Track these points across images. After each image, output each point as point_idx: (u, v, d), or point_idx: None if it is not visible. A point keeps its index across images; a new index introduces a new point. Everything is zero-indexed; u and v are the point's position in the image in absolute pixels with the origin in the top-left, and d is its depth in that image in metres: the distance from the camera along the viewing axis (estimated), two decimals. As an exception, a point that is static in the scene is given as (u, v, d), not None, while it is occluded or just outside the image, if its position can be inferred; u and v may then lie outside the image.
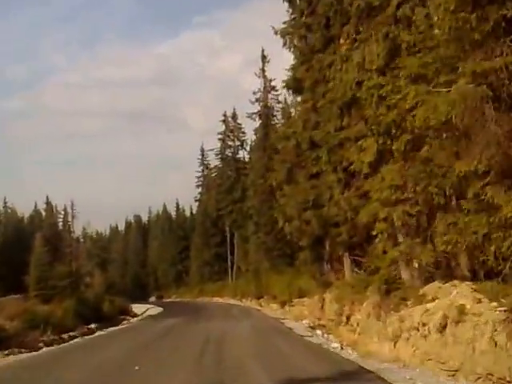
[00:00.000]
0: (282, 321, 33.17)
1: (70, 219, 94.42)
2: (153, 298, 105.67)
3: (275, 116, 62.37)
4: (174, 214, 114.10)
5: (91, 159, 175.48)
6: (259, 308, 50.18)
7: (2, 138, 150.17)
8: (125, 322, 42.43)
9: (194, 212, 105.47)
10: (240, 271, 75.60)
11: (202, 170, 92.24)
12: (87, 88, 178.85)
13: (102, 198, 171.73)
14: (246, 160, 78.35)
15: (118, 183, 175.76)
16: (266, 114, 61.55)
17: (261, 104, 61.67)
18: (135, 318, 47.09)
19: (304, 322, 28.67)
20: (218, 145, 79.59)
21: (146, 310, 59.83)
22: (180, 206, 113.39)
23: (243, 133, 78.05)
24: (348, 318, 21.82)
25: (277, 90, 61.88)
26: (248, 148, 77.92)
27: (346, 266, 28.18)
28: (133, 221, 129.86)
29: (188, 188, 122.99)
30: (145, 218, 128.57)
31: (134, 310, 58.00)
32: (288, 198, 34.22)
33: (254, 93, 61.26)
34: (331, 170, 26.67)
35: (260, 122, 62.03)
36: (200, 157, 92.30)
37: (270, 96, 61.78)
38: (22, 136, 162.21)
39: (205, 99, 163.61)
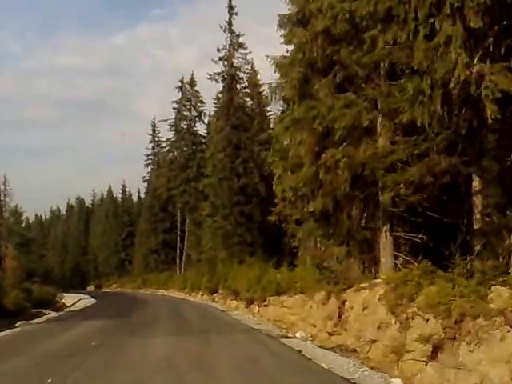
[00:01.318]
0: (259, 328, 22.89)
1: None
2: (91, 288, 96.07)
3: (242, 79, 52.84)
4: (119, 197, 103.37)
5: (44, 147, 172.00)
6: (217, 306, 40.50)
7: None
8: (30, 321, 31.25)
9: (143, 196, 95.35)
10: (190, 261, 65.95)
11: (153, 148, 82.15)
12: (41, 76, 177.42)
13: (51, 185, 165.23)
14: (204, 134, 68.54)
15: (67, 171, 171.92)
16: (231, 75, 51.92)
17: (225, 63, 52.02)
18: (54, 313, 36.94)
19: (298, 334, 18.93)
20: (173, 115, 69.45)
21: (76, 302, 50.22)
22: (127, 190, 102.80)
23: (202, 102, 68.27)
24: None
25: (245, 48, 52.38)
26: (206, 120, 68.24)
27: (383, 249, 17.46)
28: (75, 204, 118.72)
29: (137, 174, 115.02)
30: (89, 202, 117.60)
31: (64, 300, 50.71)
32: (296, 127, 20.52)
33: (219, 50, 51.60)
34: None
35: (224, 84, 52.34)
36: (151, 132, 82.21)
37: (236, 54, 52.17)
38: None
39: (160, 91, 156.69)
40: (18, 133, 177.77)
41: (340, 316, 16.09)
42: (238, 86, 52.78)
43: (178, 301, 48.19)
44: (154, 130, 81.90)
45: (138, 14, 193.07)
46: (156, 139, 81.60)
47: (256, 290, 30.87)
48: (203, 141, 67.67)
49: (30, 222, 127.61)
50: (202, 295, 51.77)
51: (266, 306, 28.12)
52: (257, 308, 30.21)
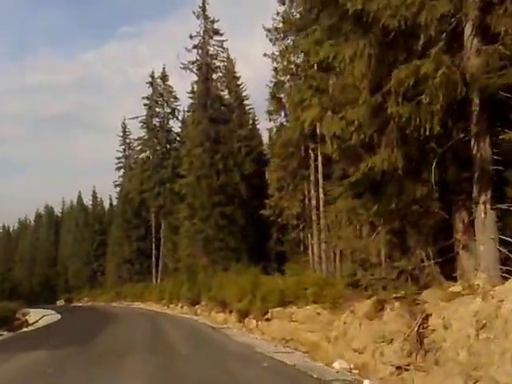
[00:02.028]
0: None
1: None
2: (61, 302, 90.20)
3: (218, 68, 47.90)
4: (90, 204, 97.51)
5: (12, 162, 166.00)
6: (203, 321, 34.95)
7: None
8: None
9: (115, 202, 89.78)
10: (167, 270, 60.77)
11: (124, 150, 76.59)
12: (11, 93, 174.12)
13: (21, 199, 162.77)
14: (179, 132, 63.37)
15: (38, 184, 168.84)
16: (206, 64, 46.98)
17: (200, 52, 47.05)
18: (5, 334, 31.60)
19: (336, 364, 13.41)
20: (144, 112, 64.02)
21: (40, 319, 44.92)
22: (98, 197, 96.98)
23: (175, 98, 63.05)
24: None
25: (221, 34, 47.49)
26: (180, 117, 63.01)
27: (481, 230, 11.72)
28: (43, 213, 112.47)
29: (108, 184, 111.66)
30: (58, 211, 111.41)
31: (28, 317, 45.04)
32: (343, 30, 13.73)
33: (192, 37, 46.60)
34: None
35: (199, 74, 47.34)
36: (121, 134, 76.72)
37: (212, 42, 47.26)
38: None
39: (129, 105, 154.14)
40: None
41: (420, 340, 10.52)
42: (215, 76, 47.92)
43: (155, 315, 42.99)
44: (124, 132, 76.50)
45: (106, 31, 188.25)
46: (127, 141, 76.23)
47: (252, 300, 25.92)
48: (178, 138, 62.57)
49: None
50: (182, 307, 46.71)
51: (267, 319, 23.08)
52: (254, 322, 25.16)
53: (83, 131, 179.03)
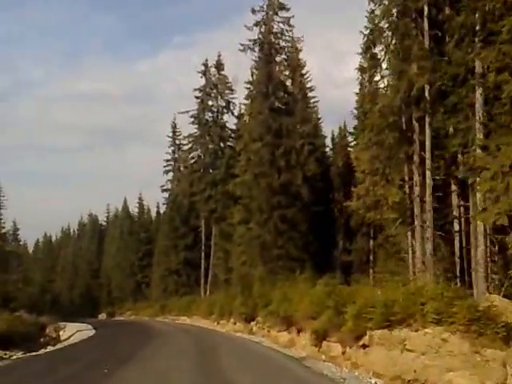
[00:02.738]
0: None
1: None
2: (103, 315, 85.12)
3: (282, 48, 41.77)
4: (136, 212, 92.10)
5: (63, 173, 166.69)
6: (267, 343, 27.40)
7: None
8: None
9: (162, 210, 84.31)
10: (217, 281, 54.65)
11: (173, 151, 70.97)
12: (64, 103, 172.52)
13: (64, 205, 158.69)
14: (233, 128, 57.28)
15: (85, 195, 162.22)
16: (269, 44, 40.96)
17: (262, 29, 41.08)
18: (15, 356, 25.61)
19: None
20: (195, 106, 58.13)
21: (72, 335, 39.60)
22: (145, 204, 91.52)
23: (231, 90, 56.99)
24: None
25: (288, 9, 41.38)
26: (236, 112, 56.96)
27: None
28: (87, 222, 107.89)
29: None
30: (103, 219, 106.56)
31: (62, 332, 42.23)
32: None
33: (254, 11, 40.65)
34: None
35: (260, 55, 41.37)
36: (171, 134, 71.21)
37: (276, 18, 41.21)
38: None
39: (181, 116, 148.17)
40: (38, 159, 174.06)
41: None
42: (278, 59, 41.76)
43: (204, 333, 36.83)
44: (173, 132, 70.97)
45: (160, 41, 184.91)
46: (177, 142, 70.58)
47: (332, 317, 19.49)
48: (232, 135, 56.53)
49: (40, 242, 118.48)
50: (234, 323, 40.37)
51: (363, 346, 16.57)
52: (339, 348, 18.59)
53: (133, 141, 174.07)
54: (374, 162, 26.86)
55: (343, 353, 18.12)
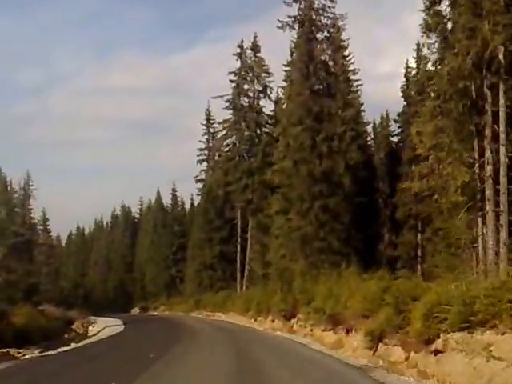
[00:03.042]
0: None
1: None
2: (136, 310, 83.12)
3: (324, 26, 38.75)
4: (169, 204, 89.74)
5: (96, 167, 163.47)
6: (314, 345, 23.86)
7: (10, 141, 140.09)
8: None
9: (196, 203, 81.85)
10: (254, 276, 51.95)
11: (207, 140, 68.41)
12: (97, 96, 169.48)
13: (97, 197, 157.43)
14: (271, 113, 54.31)
15: (117, 188, 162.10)
16: (310, 21, 38.00)
17: (302, 4, 38.13)
18: (27, 356, 23.03)
19: None
20: (230, 91, 55.31)
21: (100, 331, 37.56)
22: (178, 196, 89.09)
23: (267, 73, 54.05)
24: None
25: (330, -18, 38.35)
26: (273, 96, 53.97)
27: None
28: (120, 213, 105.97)
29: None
30: (136, 211, 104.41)
31: (91, 327, 43.17)
32: None
33: (293, -15, 37.69)
34: None
35: (300, 33, 38.43)
36: (204, 122, 68.62)
37: (318, -7, 38.19)
38: (28, 141, 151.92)
39: (215, 109, 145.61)
40: (69, 152, 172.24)
41: None
42: (319, 36, 38.78)
43: (241, 331, 34.32)
44: (208, 120, 68.41)
45: (194, 35, 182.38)
46: (211, 130, 68.01)
47: (391, 316, 16.66)
48: (270, 122, 53.64)
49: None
50: (272, 321, 37.72)
51: (435, 352, 13.64)
52: (400, 353, 15.73)
53: (166, 135, 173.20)
54: (438, 135, 23.59)
55: (406, 358, 15.24)
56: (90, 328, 43.92)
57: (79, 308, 73.26)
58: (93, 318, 56.30)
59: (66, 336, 32.82)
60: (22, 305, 30.96)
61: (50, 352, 23.59)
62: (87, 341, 31.12)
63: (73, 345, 28.50)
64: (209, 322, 44.43)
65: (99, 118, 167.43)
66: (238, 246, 55.81)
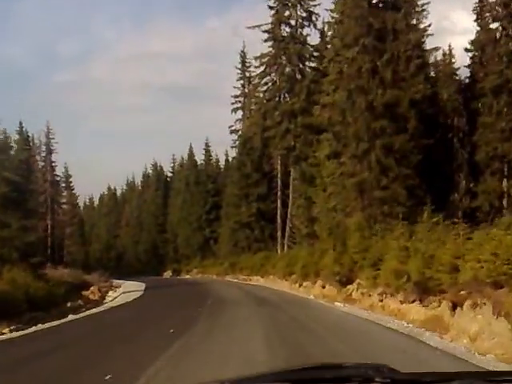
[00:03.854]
0: None
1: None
2: (168, 273, 77.48)
3: None
4: (202, 160, 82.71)
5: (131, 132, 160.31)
6: (391, 322, 16.99)
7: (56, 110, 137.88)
8: None
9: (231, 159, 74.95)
10: (297, 235, 45.13)
11: (242, 86, 61.23)
12: (135, 62, 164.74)
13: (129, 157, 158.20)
14: (316, 44, 46.59)
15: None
16: None
17: None
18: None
19: None
20: (269, 20, 47.51)
21: (119, 295, 31.77)
22: (212, 151, 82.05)
23: (312, -3, 46.21)
24: None
25: None
26: (319, 24, 46.19)
27: None
28: (151, 172, 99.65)
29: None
30: (168, 170, 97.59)
31: (112, 292, 38.84)
32: None
33: None
34: None
35: None
36: (239, 65, 61.39)
37: None
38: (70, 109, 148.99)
39: (254, 51, 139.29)
40: (109, 119, 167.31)
41: None
42: None
43: (286, 302, 27.39)
44: (243, 62, 61.12)
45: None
46: (247, 74, 60.75)
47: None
48: (315, 54, 46.06)
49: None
50: (323, 286, 31.00)
51: None
52: None
53: (204, 99, 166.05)
54: None
55: None
56: (110, 293, 38.10)
57: (112, 270, 68.82)
58: (120, 281, 50.97)
59: (68, 305, 26.55)
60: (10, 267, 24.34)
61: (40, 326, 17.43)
62: (91, 311, 24.79)
63: (71, 316, 22.29)
64: (245, 289, 37.70)
65: (137, 85, 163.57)
66: (278, 201, 48.88)
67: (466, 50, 40.04)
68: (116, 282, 50.58)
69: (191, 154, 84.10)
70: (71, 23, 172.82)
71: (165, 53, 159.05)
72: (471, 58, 39.51)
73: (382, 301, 21.00)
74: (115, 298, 33.01)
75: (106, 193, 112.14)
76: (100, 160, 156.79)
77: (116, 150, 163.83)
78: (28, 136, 66.46)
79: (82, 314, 23.25)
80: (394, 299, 19.44)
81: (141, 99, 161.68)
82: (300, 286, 35.51)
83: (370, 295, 23.16)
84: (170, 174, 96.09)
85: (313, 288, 32.71)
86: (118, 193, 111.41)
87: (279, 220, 48.69)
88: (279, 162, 48.18)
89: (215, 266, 65.12)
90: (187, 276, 70.64)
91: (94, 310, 24.98)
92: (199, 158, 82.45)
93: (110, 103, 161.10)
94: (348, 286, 27.16)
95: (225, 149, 78.86)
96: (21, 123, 64.19)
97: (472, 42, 38.77)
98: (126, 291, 36.51)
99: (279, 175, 48.73)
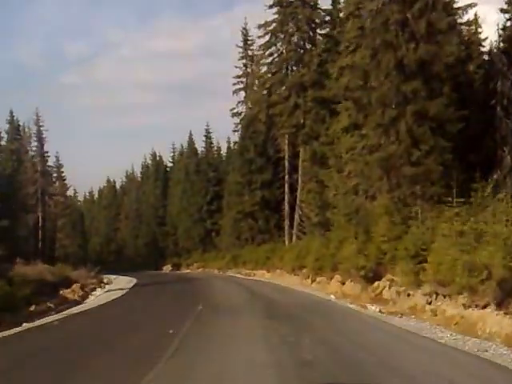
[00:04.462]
0: None
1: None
2: (168, 268, 73.34)
3: None
4: (203, 147, 77.19)
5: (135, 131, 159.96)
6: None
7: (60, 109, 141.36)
8: None
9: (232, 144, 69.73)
10: (307, 224, 39.89)
11: (245, 65, 55.99)
12: (140, 61, 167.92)
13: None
14: (329, 8, 41.14)
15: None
16: None
17: None
18: None
19: None
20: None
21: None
22: (212, 138, 76.39)
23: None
24: None
25: None
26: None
27: None
28: (150, 162, 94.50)
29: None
30: (168, 160, 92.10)
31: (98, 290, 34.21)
32: None
33: None
34: None
35: None
36: (241, 42, 56.13)
37: None
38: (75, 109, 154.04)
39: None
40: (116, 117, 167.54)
41: None
42: None
43: (302, 306, 22.06)
44: (245, 41, 55.84)
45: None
46: (249, 53, 55.52)
47: None
48: (327, 18, 40.66)
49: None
50: (342, 282, 25.88)
51: None
52: None
53: (208, 96, 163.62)
54: None
55: None
56: (97, 291, 33.28)
57: (111, 265, 64.39)
58: (113, 276, 46.42)
59: (32, 308, 21.47)
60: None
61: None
62: (54, 317, 19.69)
63: (21, 326, 17.16)
64: (248, 286, 32.27)
65: (141, 83, 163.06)
66: (286, 186, 43.59)
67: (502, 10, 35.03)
68: (109, 277, 45.96)
69: (191, 142, 79.03)
70: (77, 26, 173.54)
71: (168, 51, 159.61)
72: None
73: (430, 303, 15.84)
74: (98, 296, 28.06)
75: (105, 185, 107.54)
76: (101, 155, 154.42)
77: (117, 146, 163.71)
78: (19, 125, 62.09)
79: (38, 322, 18.13)
80: (450, 302, 14.27)
81: (143, 97, 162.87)
82: (313, 281, 30.44)
83: (409, 295, 18.04)
84: (169, 165, 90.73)
85: (328, 284, 27.68)
86: (118, 186, 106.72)
87: (287, 207, 43.38)
88: (287, 142, 42.76)
89: (217, 260, 60.36)
90: (187, 270, 66.02)
91: (56, 316, 19.79)
92: (200, 145, 77.08)
93: (112, 102, 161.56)
94: (376, 283, 22.08)
95: (227, 137, 72.73)
96: (11, 112, 60.09)
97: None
98: (111, 289, 31.65)
99: (286, 157, 43.35)
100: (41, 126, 61.06)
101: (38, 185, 57.86)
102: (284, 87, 40.69)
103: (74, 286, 31.86)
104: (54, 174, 65.09)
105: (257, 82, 50.67)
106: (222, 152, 77.15)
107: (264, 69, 44.77)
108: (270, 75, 42.66)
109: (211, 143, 75.03)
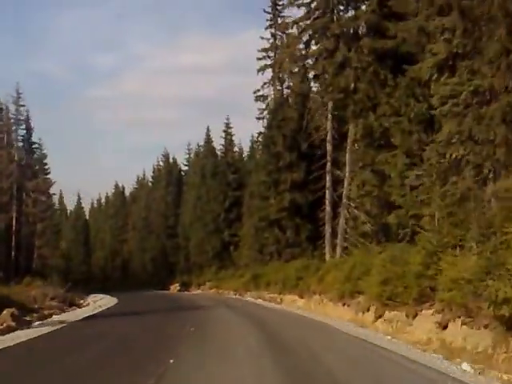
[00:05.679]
0: None
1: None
2: (176, 287, 63.27)
3: None
4: (221, 145, 65.97)
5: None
6: None
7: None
8: None
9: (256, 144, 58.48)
10: (357, 232, 28.48)
11: (273, 35, 45.22)
12: (169, 76, 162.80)
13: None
14: None
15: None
16: None
17: None
18: None
19: None
20: None
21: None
22: (232, 137, 65.19)
23: None
24: None
25: None
26: None
27: None
28: (162, 165, 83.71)
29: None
30: (182, 162, 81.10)
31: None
32: None
33: None
34: None
35: None
36: (269, 6, 45.47)
37: None
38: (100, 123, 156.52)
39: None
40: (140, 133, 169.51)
41: None
42: None
43: None
44: (274, 4, 45.11)
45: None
46: (279, 21, 44.75)
47: None
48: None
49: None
50: (443, 326, 14.34)
51: None
52: None
53: (232, 113, 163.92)
54: None
55: None
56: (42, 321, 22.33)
57: (115, 282, 54.83)
58: (98, 296, 36.65)
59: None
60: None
61: None
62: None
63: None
64: (272, 328, 20.77)
65: (166, 98, 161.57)
66: (327, 178, 31.94)
67: None
68: (91, 298, 35.33)
69: (208, 139, 67.88)
70: (106, 40, 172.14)
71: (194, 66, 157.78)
72: None
73: None
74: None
75: (113, 191, 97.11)
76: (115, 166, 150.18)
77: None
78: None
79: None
80: None
81: (167, 112, 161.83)
82: (377, 318, 18.98)
83: None
84: (184, 168, 79.73)
85: (411, 327, 16.21)
86: (128, 192, 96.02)
87: (328, 208, 31.73)
88: (330, 116, 31.23)
89: (233, 279, 49.52)
90: (197, 291, 55.78)
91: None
92: (218, 143, 65.94)
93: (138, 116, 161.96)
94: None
95: (250, 135, 61.79)
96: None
97: None
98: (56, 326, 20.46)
99: (329, 137, 31.76)
100: (21, 106, 50.38)
101: (12, 178, 46.98)
102: (328, 36, 29.19)
103: (5, 312, 20.85)
104: (36, 167, 53.61)
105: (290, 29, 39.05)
106: (243, 155, 66.22)
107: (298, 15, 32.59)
108: (308, 22, 30.99)
109: (231, 140, 63.91)
